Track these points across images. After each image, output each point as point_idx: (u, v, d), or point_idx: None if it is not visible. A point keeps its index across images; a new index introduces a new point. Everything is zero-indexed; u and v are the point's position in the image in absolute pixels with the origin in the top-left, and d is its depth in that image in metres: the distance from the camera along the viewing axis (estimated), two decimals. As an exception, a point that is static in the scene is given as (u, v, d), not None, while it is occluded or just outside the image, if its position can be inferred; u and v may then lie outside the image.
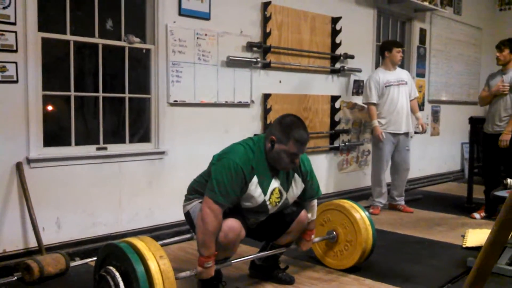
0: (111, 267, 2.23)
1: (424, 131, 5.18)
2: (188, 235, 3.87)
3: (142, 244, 2.24)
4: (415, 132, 5.37)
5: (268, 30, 4.51)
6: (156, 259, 2.17)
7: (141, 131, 3.92)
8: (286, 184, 2.71)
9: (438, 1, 6.70)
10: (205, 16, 4.07)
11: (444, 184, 7.08)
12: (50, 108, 3.47)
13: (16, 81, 3.12)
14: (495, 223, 1.33)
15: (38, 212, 3.17)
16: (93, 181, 3.52)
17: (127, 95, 3.76)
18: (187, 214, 2.75)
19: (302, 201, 2.90)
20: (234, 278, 3.04)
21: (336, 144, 5.40)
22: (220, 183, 2.46)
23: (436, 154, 7.16)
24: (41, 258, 2.98)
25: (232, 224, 2.51)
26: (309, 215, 2.90)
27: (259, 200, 2.58)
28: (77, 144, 3.50)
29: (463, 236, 4.01)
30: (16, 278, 2.96)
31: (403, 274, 3.22)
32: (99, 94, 3.61)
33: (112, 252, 2.29)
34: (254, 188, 2.55)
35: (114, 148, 3.66)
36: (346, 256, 3.19)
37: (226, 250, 2.56)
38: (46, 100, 3.34)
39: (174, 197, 3.87)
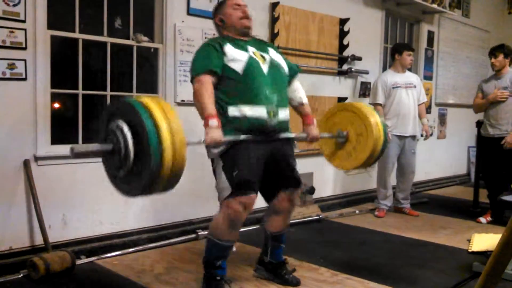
0: (119, 121, 2.11)
1: (427, 138, 5.17)
2: (193, 235, 3.87)
3: (152, 101, 2.11)
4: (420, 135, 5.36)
5: (276, 31, 4.50)
6: (166, 116, 2.06)
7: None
8: (262, 50, 2.77)
9: (447, 4, 6.68)
10: (214, 16, 4.07)
11: (450, 187, 7.05)
12: (58, 106, 3.48)
13: (25, 79, 3.13)
14: (507, 228, 1.32)
15: (45, 210, 3.17)
16: (100, 180, 3.49)
17: (134, 94, 3.76)
18: (212, 160, 2.77)
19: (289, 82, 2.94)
20: (239, 279, 3.04)
21: (342, 145, 5.38)
22: (197, 59, 2.65)
23: (442, 157, 7.14)
24: (47, 256, 2.99)
25: (243, 201, 2.54)
26: (298, 95, 2.98)
27: (243, 58, 2.64)
28: (84, 142, 3.50)
29: (469, 241, 3.99)
30: (22, 275, 2.96)
31: (408, 277, 3.21)
32: (107, 92, 3.62)
33: (120, 107, 2.19)
34: (232, 50, 2.65)
35: (121, 147, 3.66)
36: (359, 150, 3.07)
37: (233, 227, 2.58)
38: (54, 98, 3.35)
39: (180, 197, 3.87)
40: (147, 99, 2.12)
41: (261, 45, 2.84)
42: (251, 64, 2.65)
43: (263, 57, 2.72)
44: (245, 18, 2.78)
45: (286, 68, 2.85)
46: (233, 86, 2.61)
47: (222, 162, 2.64)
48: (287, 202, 2.87)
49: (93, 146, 2.18)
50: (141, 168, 2.05)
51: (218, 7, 2.87)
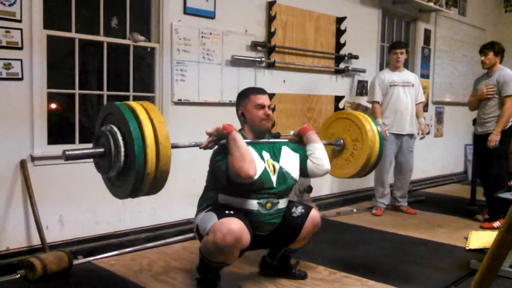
0: (109, 124, 2.17)
1: (423, 137, 5.17)
2: (190, 234, 3.86)
3: (140, 106, 2.15)
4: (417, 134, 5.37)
5: (272, 30, 4.50)
6: (152, 120, 2.09)
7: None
8: (275, 156, 2.76)
9: (443, 2, 6.68)
10: (210, 15, 4.07)
11: (447, 185, 7.06)
12: (54, 105, 3.47)
13: (21, 79, 3.12)
14: (503, 224, 1.32)
15: (42, 210, 3.17)
16: (97, 179, 3.49)
17: (131, 94, 3.76)
18: (197, 228, 2.72)
19: (307, 169, 2.85)
20: (236, 277, 3.04)
21: (339, 144, 5.39)
22: (222, 162, 2.55)
23: (439, 155, 7.15)
24: (44, 256, 2.98)
25: (231, 228, 2.41)
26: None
27: (260, 168, 2.60)
28: (81, 142, 3.50)
29: (466, 238, 4.00)
30: (19, 276, 2.95)
31: (406, 275, 3.21)
32: (104, 92, 3.61)
33: (110, 111, 2.22)
34: (253, 153, 2.60)
35: (118, 147, 3.65)
36: (356, 156, 3.14)
37: (221, 253, 2.46)
38: (50, 97, 3.34)
39: (177, 197, 3.88)
40: (135, 104, 2.17)
41: (275, 148, 2.80)
42: (264, 176, 2.63)
43: (274, 167, 2.72)
44: (266, 119, 2.74)
45: (295, 174, 2.80)
46: (239, 188, 2.58)
47: (210, 210, 2.64)
48: (308, 230, 2.85)
49: (85, 150, 2.23)
50: (128, 170, 2.10)
51: (242, 98, 2.81)
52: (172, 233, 3.86)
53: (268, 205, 2.66)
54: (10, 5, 3.03)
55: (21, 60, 3.10)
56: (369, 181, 5.68)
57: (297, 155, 2.86)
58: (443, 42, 6.98)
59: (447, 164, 7.40)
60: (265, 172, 2.64)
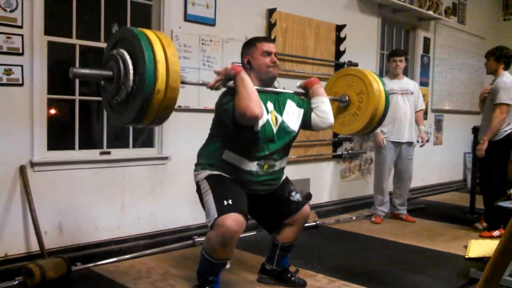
0: (121, 48, 2.15)
1: (423, 144, 5.18)
2: (190, 241, 3.86)
3: (148, 30, 2.17)
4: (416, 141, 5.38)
5: (273, 37, 4.51)
6: (164, 48, 2.08)
7: (145, 136, 3.92)
8: (279, 109, 2.76)
9: (443, 10, 6.71)
10: (210, 22, 4.08)
11: (447, 193, 7.05)
12: (54, 111, 3.47)
13: (22, 84, 3.12)
14: (505, 232, 1.32)
15: (41, 216, 3.16)
16: (96, 186, 3.51)
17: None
18: (197, 184, 2.75)
19: (311, 121, 2.85)
20: (234, 285, 3.03)
21: (339, 152, 5.40)
22: (229, 104, 2.53)
23: (438, 163, 7.15)
24: (43, 262, 2.97)
25: (237, 221, 2.47)
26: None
27: (263, 118, 2.60)
28: (80, 148, 3.50)
29: (465, 247, 3.99)
30: (17, 282, 2.94)
31: (405, 283, 3.20)
32: (104, 98, 3.61)
33: (124, 36, 2.20)
34: None
35: (117, 153, 3.66)
36: (363, 108, 3.11)
37: (225, 246, 2.50)
38: (50, 103, 3.35)
39: (176, 203, 3.88)
40: (150, 32, 2.15)
41: (280, 100, 2.80)
42: (266, 127, 2.65)
43: (276, 119, 2.73)
44: (273, 66, 2.73)
45: (295, 128, 2.81)
46: (241, 138, 2.61)
47: (209, 184, 2.65)
48: (299, 219, 2.88)
49: (94, 70, 2.22)
50: (135, 94, 2.08)
51: (248, 47, 2.78)
52: (171, 240, 3.85)
53: (266, 166, 2.70)
54: (11, 11, 3.04)
55: (21, 66, 3.10)
56: (368, 189, 5.68)
57: (301, 110, 2.85)
58: (443, 50, 7.00)
59: (446, 172, 7.40)
60: (267, 123, 2.66)
